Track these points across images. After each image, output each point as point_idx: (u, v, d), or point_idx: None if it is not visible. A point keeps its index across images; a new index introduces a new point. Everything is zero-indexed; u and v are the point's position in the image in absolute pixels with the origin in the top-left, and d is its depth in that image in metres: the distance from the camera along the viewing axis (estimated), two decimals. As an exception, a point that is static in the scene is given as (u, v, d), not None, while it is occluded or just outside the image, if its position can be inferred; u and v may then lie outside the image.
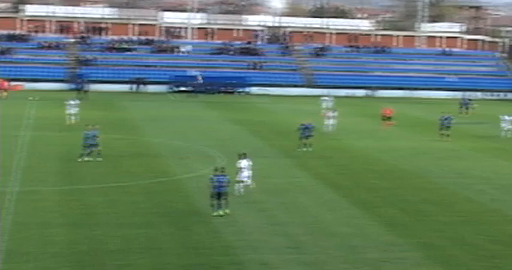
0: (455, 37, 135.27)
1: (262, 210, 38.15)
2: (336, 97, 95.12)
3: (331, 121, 65.44)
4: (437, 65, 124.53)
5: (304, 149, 55.11)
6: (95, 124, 51.05)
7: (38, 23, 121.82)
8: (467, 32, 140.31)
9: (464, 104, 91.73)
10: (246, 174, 41.22)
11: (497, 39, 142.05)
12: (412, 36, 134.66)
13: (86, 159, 49.36)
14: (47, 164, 48.73)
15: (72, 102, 70.38)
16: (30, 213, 35.93)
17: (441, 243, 33.09)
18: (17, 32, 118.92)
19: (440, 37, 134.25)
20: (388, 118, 74.10)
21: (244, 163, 41.14)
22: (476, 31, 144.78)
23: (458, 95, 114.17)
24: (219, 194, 35.52)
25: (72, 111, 69.59)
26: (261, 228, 34.62)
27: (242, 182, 41.39)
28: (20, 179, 43.01)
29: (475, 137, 68.95)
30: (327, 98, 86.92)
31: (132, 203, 38.66)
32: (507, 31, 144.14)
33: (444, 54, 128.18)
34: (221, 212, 35.55)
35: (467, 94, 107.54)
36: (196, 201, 39.46)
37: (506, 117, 68.85)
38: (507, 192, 44.80)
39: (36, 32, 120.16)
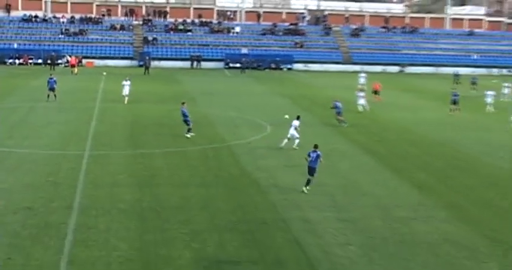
0: (480, 19, 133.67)
1: (305, 173, 38.01)
2: (371, 73, 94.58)
3: (361, 101, 64.14)
4: (463, 44, 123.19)
5: (344, 125, 54.39)
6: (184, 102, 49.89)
7: (109, 7, 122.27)
8: (490, 15, 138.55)
9: (472, 82, 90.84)
10: (291, 132, 43.80)
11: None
12: (440, 18, 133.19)
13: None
14: (116, 131, 49.11)
15: (124, 82, 64.99)
16: (101, 174, 36.34)
17: (466, 204, 32.92)
18: (91, 15, 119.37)
19: (466, 19, 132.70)
20: (376, 92, 72.15)
21: (294, 123, 44.44)
22: (498, 13, 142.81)
23: (481, 71, 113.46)
24: (308, 168, 33.94)
25: (126, 92, 64.17)
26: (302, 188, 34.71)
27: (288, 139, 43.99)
28: (93, 144, 43.41)
29: (495, 108, 68.19)
30: (362, 74, 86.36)
31: (190, 166, 38.88)
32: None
33: (469, 34, 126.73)
34: (305, 189, 33.65)
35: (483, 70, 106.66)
36: (246, 165, 39.62)
37: (490, 92, 67.30)
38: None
39: (108, 15, 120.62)
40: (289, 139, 43.64)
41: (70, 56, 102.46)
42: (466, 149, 47.03)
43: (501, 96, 74.40)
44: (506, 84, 77.16)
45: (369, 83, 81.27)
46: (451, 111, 62.61)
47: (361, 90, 60.39)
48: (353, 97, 69.31)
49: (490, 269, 24.50)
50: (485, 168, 41.47)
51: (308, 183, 33.45)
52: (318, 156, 33.55)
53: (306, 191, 33.14)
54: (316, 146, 34.07)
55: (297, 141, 43.70)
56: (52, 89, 63.43)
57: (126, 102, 62.31)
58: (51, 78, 64.28)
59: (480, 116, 62.74)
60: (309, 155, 33.75)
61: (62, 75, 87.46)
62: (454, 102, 62.92)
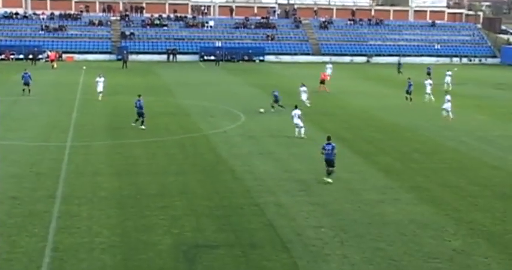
0: (441, 11, 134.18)
1: (277, 160, 38.26)
2: (339, 63, 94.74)
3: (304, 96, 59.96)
4: (426, 35, 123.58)
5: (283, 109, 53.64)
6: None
7: (87, 4, 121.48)
8: (450, 7, 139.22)
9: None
10: (295, 121, 44.14)
11: (474, 13, 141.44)
12: (404, 10, 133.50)
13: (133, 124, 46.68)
14: (96, 122, 48.94)
15: (98, 79, 61.62)
16: (83, 164, 36.25)
17: (429, 187, 33.17)
18: (70, 11, 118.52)
19: (428, 11, 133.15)
20: (322, 82, 70.72)
21: (296, 112, 44.59)
22: (458, 6, 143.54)
23: (443, 60, 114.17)
24: (327, 161, 33.13)
25: (100, 88, 60.59)
26: (276, 174, 34.79)
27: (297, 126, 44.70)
28: (74, 135, 43.20)
29: (457, 96, 68.61)
30: (329, 65, 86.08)
31: (168, 155, 38.87)
32: (484, 5, 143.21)
33: (431, 25, 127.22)
34: (329, 180, 32.94)
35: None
36: (221, 153, 39.64)
37: (427, 81, 65.57)
38: (484, 142, 44.75)
39: (86, 11, 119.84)
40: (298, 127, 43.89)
41: (50, 51, 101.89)
42: (429, 134, 47.32)
43: (445, 85, 73.84)
44: (448, 73, 76.03)
45: (337, 73, 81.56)
46: (407, 99, 61.69)
47: (303, 84, 59.37)
48: (316, 84, 69.64)
49: (455, 247, 24.68)
50: (448, 152, 41.77)
51: (330, 173, 33.02)
52: (333, 148, 32.84)
53: (330, 181, 32.73)
54: (329, 138, 33.64)
55: (302, 129, 43.89)
56: (27, 84, 62.54)
57: (100, 98, 59.38)
58: (25, 73, 63.55)
59: (437, 103, 62.87)
60: (324, 148, 33.02)
61: (42, 70, 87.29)
62: (408, 92, 61.78)
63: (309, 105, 56.28)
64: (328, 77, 71.73)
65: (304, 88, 59.38)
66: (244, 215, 27.83)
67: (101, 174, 34.27)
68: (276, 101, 54.58)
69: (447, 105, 52.70)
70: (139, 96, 47.39)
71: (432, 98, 62.04)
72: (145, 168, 35.85)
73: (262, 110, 45.79)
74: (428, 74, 79.94)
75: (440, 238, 25.61)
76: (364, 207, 29.29)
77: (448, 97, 53.74)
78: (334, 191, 31.87)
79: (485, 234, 26.02)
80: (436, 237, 25.68)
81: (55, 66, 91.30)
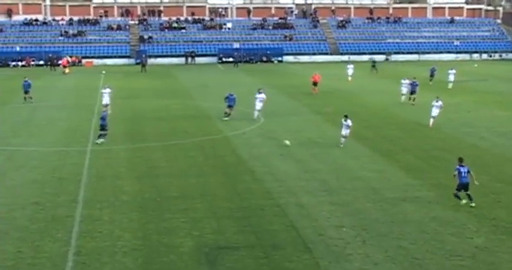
0: (460, 7, 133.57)
1: (298, 160, 38.19)
2: (358, 62, 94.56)
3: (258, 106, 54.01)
4: (444, 32, 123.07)
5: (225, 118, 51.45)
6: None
7: (105, 8, 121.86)
8: (469, 2, 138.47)
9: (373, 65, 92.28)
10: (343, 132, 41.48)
11: (494, 8, 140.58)
12: (422, 7, 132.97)
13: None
14: (116, 126, 49.05)
15: (104, 91, 56.39)
16: (103, 168, 36.39)
17: (450, 184, 32.93)
18: (88, 17, 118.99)
19: (446, 7, 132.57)
20: (315, 84, 68.77)
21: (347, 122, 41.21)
22: (476, 1, 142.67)
23: (463, 56, 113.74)
24: (462, 185, 29.11)
25: (106, 101, 55.07)
26: (296, 175, 34.75)
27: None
28: (94, 140, 43.27)
29: (477, 92, 68.29)
30: (350, 66, 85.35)
31: (188, 157, 38.93)
32: (503, 0, 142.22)
33: (450, 22, 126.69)
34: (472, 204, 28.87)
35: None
36: (241, 154, 39.66)
37: (404, 81, 62.45)
38: (506, 138, 44.50)
39: (105, 16, 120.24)
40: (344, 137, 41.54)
41: (71, 57, 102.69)
42: (448, 131, 47.12)
43: (448, 83, 72.74)
44: (451, 71, 74.10)
45: (356, 72, 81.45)
46: (410, 100, 59.73)
47: (260, 91, 51.96)
48: (338, 85, 69.51)
49: (477, 244, 24.57)
50: (468, 149, 41.56)
51: (471, 197, 29.02)
52: (468, 171, 29.09)
53: (473, 205, 28.81)
54: (462, 160, 29.69)
55: (343, 139, 41.57)
56: (26, 92, 61.46)
57: (109, 111, 51.79)
58: (25, 81, 62.53)
59: (456, 99, 62.59)
60: (459, 171, 29.09)
61: (62, 75, 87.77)
62: (412, 92, 59.81)
63: (255, 115, 51.48)
64: (318, 79, 69.43)
65: (262, 96, 51.76)
66: (265, 216, 27.81)
67: (122, 178, 34.40)
68: (230, 105, 51.47)
69: (435, 112, 48.20)
70: (105, 106, 45.39)
71: (406, 99, 60.58)
72: (166, 170, 35.92)
73: (287, 142, 42.59)
74: (432, 75, 76.42)
75: (462, 235, 25.50)
76: (385, 206, 29.21)
77: (439, 103, 48.68)
78: (355, 190, 31.81)
79: (509, 231, 25.87)
80: (458, 235, 25.56)
81: (67, 71, 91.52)
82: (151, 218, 27.62)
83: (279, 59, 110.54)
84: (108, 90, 55.94)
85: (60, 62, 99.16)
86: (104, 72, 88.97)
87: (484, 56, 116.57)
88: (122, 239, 25.07)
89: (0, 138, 45.09)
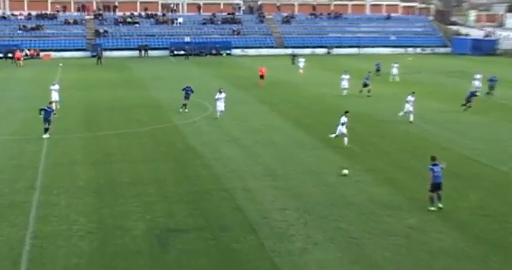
0: (395, 5, 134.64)
1: (243, 146, 38.19)
2: (301, 55, 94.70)
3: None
4: (381, 27, 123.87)
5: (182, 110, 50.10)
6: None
7: (63, 4, 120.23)
8: (404, 0, 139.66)
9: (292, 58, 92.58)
10: (340, 128, 37.97)
11: (426, 6, 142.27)
12: (361, 4, 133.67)
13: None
14: (73, 116, 48.50)
15: (52, 87, 52.85)
16: (60, 155, 35.95)
17: (387, 168, 33.32)
18: (46, 12, 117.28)
19: (383, 5, 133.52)
20: (261, 77, 68.27)
21: (343, 119, 37.92)
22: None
23: (399, 50, 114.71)
24: (434, 185, 26.63)
25: (54, 98, 51.44)
26: (242, 161, 34.73)
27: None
28: (52, 129, 42.48)
29: (411, 84, 68.88)
30: (302, 59, 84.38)
31: (141, 145, 38.65)
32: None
33: (386, 18, 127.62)
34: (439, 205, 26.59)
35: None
36: (191, 142, 39.47)
37: (345, 75, 61.15)
38: (436, 126, 45.01)
39: (62, 11, 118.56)
40: (337, 136, 38.41)
41: (29, 50, 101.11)
42: (383, 118, 47.49)
43: (392, 76, 72.69)
44: (395, 65, 74.05)
45: (327, 63, 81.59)
46: (361, 92, 59.52)
47: (220, 91, 48.05)
48: (285, 76, 69.67)
49: (410, 224, 24.82)
50: (402, 135, 41.97)
51: (440, 198, 26.69)
52: (442, 169, 26.74)
53: (441, 206, 26.56)
54: (434, 159, 27.10)
55: (346, 139, 38.12)
56: None
57: (56, 108, 48.74)
58: None
59: (393, 90, 63.09)
60: (432, 170, 26.65)
61: (21, 68, 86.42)
62: (365, 85, 59.69)
63: (218, 115, 47.69)
64: (265, 72, 68.65)
65: (222, 95, 48.13)
66: (214, 200, 27.74)
67: (78, 164, 33.99)
68: (187, 97, 50.35)
69: (408, 107, 46.38)
70: (50, 103, 43.37)
71: (345, 92, 60.09)
72: (120, 157, 35.56)
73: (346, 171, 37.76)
74: (378, 70, 75.82)
75: (397, 216, 25.76)
76: (326, 190, 29.32)
77: (411, 97, 46.95)
78: (298, 174, 31.89)
79: (439, 212, 26.16)
80: (393, 216, 25.83)
81: (21, 64, 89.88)
82: (105, 202, 27.35)
83: (228, 52, 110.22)
84: (56, 86, 53.01)
85: (12, 55, 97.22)
86: (61, 64, 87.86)
87: (418, 50, 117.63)
88: (77, 223, 24.78)
89: (-39, 128, 44.24)
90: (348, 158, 35.41)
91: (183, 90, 50.70)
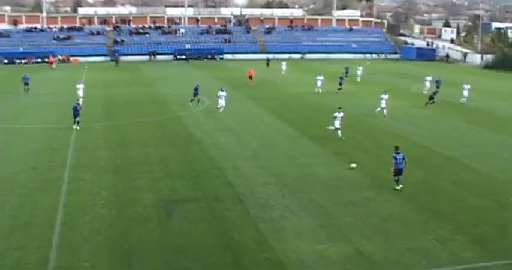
0: (356, 19, 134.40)
1: (235, 134, 38.16)
2: (280, 59, 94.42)
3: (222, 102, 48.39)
4: (345, 37, 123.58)
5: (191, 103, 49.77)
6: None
7: (88, 19, 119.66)
8: (363, 16, 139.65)
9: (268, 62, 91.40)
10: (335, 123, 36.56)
11: (381, 20, 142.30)
12: (329, 19, 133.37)
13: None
14: (95, 109, 48.26)
15: (78, 86, 52.39)
16: (86, 140, 35.86)
17: (352, 152, 33.31)
18: (75, 25, 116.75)
19: (347, 19, 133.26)
20: (250, 77, 67.20)
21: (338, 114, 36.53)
22: (368, 15, 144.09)
23: (359, 56, 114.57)
24: (396, 170, 25.71)
25: (80, 94, 51.13)
26: (234, 146, 34.73)
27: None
28: (80, 119, 42.27)
29: (369, 83, 68.87)
30: (283, 63, 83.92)
31: (150, 132, 38.55)
32: (387, 15, 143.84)
33: (349, 30, 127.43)
34: (400, 187, 25.83)
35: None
36: (191, 130, 39.37)
37: (319, 76, 60.03)
38: (391, 118, 45.04)
39: (88, 24, 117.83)
40: (336, 129, 36.91)
41: (61, 56, 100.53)
42: (350, 111, 47.41)
43: (356, 76, 71.53)
44: (359, 68, 73.32)
45: (302, 66, 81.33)
46: (338, 90, 59.18)
47: (221, 90, 47.50)
48: (270, 77, 69.45)
49: (368, 196, 24.97)
50: (365, 125, 42.02)
51: (399, 181, 25.83)
52: (403, 157, 25.60)
53: (400, 188, 25.71)
54: (397, 148, 26.05)
55: (339, 132, 36.57)
56: (26, 84, 59.37)
57: (80, 102, 44.86)
58: (25, 75, 60.51)
59: (355, 88, 63.10)
60: (394, 158, 25.60)
61: (53, 70, 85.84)
62: (340, 84, 59.58)
63: (221, 110, 46.39)
64: (253, 73, 67.92)
65: (224, 93, 47.15)
66: (209, 177, 27.77)
67: (100, 148, 33.95)
68: (196, 94, 49.63)
69: (383, 103, 45.26)
70: (77, 100, 42.78)
71: (320, 90, 59.40)
72: (133, 143, 35.47)
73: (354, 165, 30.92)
74: (347, 72, 73.53)
75: (358, 190, 25.94)
76: (301, 169, 29.38)
77: (384, 95, 45.68)
78: (277, 156, 31.96)
79: (388, 185, 26.25)
80: (354, 189, 26.01)
81: (54, 67, 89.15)
82: (121, 178, 27.38)
83: (221, 56, 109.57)
84: (82, 85, 52.81)
85: (47, 60, 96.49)
86: (86, 67, 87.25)
87: (374, 56, 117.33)
88: (99, 195, 24.84)
89: (8, 119, 43.96)
90: (319, 143, 35.42)
91: (194, 88, 50.16)
